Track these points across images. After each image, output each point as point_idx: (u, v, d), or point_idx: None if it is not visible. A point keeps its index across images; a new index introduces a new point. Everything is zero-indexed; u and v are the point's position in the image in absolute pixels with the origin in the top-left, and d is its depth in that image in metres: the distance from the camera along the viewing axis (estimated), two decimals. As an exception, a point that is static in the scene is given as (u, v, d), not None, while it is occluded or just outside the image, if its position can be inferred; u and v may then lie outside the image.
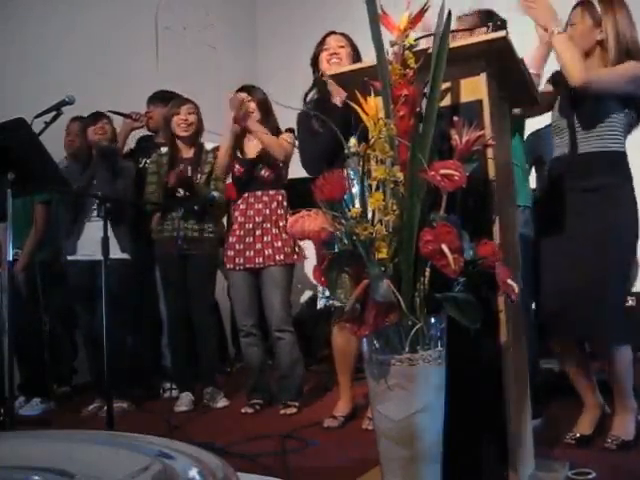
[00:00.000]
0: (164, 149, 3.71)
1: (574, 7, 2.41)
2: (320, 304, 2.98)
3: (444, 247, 1.43)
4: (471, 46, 1.73)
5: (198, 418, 3.27)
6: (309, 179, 3.01)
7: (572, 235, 2.33)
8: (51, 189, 3.46)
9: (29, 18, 4.34)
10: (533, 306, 2.51)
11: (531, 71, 2.00)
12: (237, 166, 3.38)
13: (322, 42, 3.01)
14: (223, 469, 0.78)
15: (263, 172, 3.35)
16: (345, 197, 1.56)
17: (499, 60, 1.77)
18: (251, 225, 3.33)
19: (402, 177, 1.54)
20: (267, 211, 3.33)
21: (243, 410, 3.32)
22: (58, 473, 0.80)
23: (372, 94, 1.63)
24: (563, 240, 2.35)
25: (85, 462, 0.83)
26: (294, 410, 3.24)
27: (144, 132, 4.28)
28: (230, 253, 3.37)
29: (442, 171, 1.47)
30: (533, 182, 3.24)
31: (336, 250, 1.58)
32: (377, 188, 1.55)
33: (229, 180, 3.58)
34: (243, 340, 3.43)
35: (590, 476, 1.95)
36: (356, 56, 2.96)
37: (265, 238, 3.31)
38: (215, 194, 3.55)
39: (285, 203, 3.38)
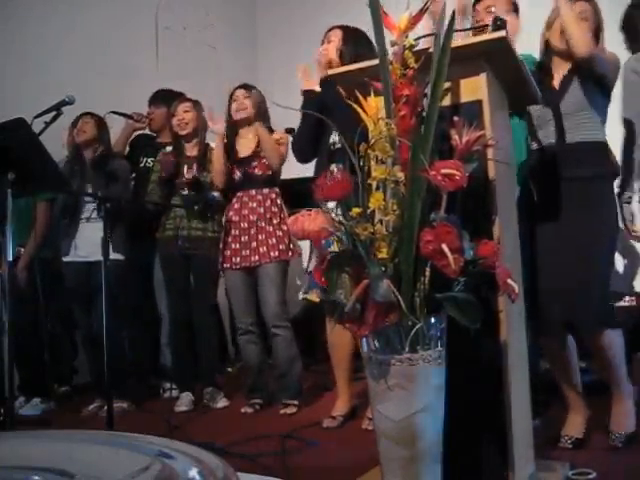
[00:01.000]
0: (169, 148, 3.71)
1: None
2: (300, 296, 3.00)
3: (444, 247, 1.44)
4: (471, 46, 1.73)
5: (198, 418, 3.27)
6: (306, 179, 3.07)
7: (560, 225, 2.32)
8: (51, 189, 3.45)
9: (29, 18, 4.34)
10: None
11: None
12: (235, 170, 3.39)
13: (324, 40, 3.06)
14: (223, 469, 0.78)
15: (257, 170, 3.36)
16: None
17: (499, 60, 1.77)
18: (246, 224, 3.34)
19: (402, 177, 1.54)
20: (261, 209, 3.35)
21: (243, 410, 3.32)
22: (58, 473, 0.80)
23: (372, 94, 1.64)
24: (551, 230, 2.34)
25: (85, 462, 0.83)
26: (294, 410, 3.24)
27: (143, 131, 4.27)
28: (227, 253, 3.38)
29: (443, 171, 1.47)
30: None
31: (330, 249, 1.58)
32: (377, 188, 1.55)
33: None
34: (241, 338, 3.44)
35: (590, 476, 1.94)
36: (349, 48, 2.94)
37: (260, 236, 3.33)
38: (215, 194, 3.55)
39: (279, 201, 3.40)
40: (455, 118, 1.64)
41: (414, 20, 1.65)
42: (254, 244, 3.32)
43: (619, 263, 4.25)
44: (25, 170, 2.61)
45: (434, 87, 1.56)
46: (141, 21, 5.14)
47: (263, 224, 3.33)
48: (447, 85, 1.74)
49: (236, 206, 3.38)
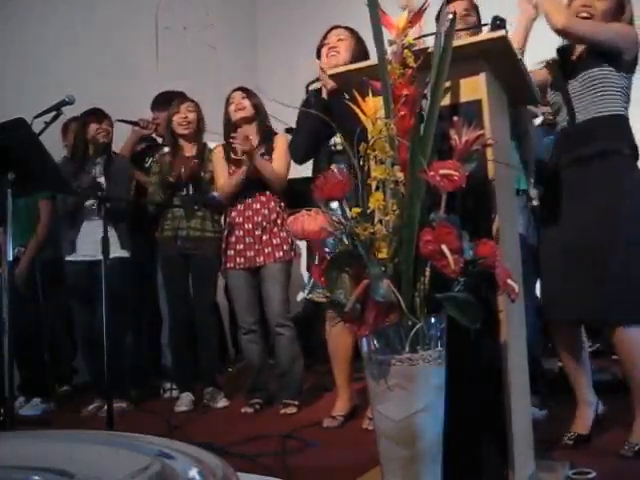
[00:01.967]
0: (166, 149, 3.71)
1: None
2: (299, 297, 2.99)
3: (444, 247, 1.43)
4: (471, 46, 1.73)
5: (198, 418, 3.27)
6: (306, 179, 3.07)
7: (575, 216, 2.23)
8: (51, 189, 3.46)
9: (29, 18, 4.34)
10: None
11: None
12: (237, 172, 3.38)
13: (324, 37, 3.04)
14: (223, 469, 0.78)
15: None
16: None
17: (499, 60, 1.77)
18: (250, 225, 3.34)
19: (402, 177, 1.54)
20: (265, 211, 3.35)
21: (243, 410, 3.32)
22: (58, 473, 0.80)
23: (370, 94, 1.63)
24: (567, 220, 2.26)
25: (85, 462, 0.83)
26: (294, 410, 3.24)
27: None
28: (230, 253, 3.38)
29: (441, 171, 1.47)
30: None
31: (328, 247, 1.58)
32: (377, 188, 1.55)
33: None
34: (244, 337, 3.44)
35: (590, 476, 1.94)
36: (359, 49, 2.93)
37: (264, 237, 3.33)
38: (215, 194, 3.55)
39: (282, 202, 3.40)
40: (454, 118, 1.63)
41: (413, 19, 1.65)
42: (258, 246, 3.33)
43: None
44: (25, 170, 2.61)
45: (434, 87, 1.56)
46: (141, 21, 5.14)
47: (266, 225, 3.34)
48: (447, 85, 1.74)
49: (239, 208, 3.38)
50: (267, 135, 3.42)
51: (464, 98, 1.78)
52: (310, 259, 3.01)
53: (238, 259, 3.36)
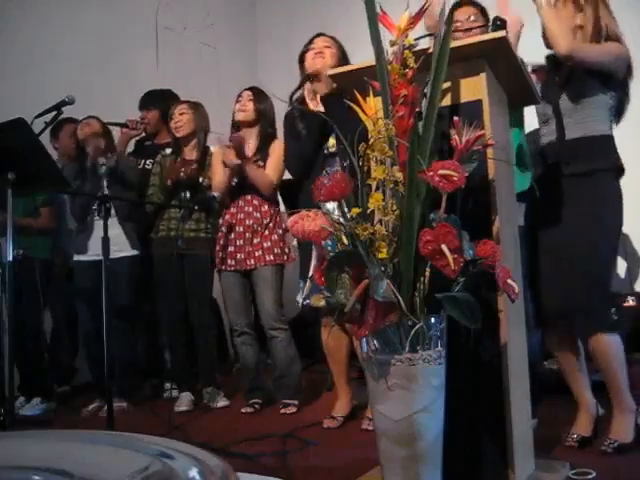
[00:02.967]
0: (168, 150, 3.71)
1: None
2: (299, 299, 2.98)
3: (444, 247, 1.44)
4: (471, 46, 1.73)
5: (198, 418, 3.27)
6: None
7: (561, 222, 2.31)
8: (51, 189, 3.46)
9: (29, 18, 4.34)
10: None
11: None
12: (231, 176, 3.37)
13: (310, 42, 3.03)
14: (223, 469, 0.78)
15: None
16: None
17: (499, 60, 1.77)
18: (242, 228, 3.34)
19: (402, 177, 1.54)
20: (258, 214, 3.35)
21: (243, 410, 3.32)
22: (58, 473, 0.80)
23: (371, 94, 1.64)
24: (553, 228, 2.33)
25: (85, 462, 0.83)
26: (294, 409, 3.24)
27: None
28: (221, 255, 3.38)
29: (441, 171, 1.47)
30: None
31: (327, 247, 1.59)
32: (377, 188, 1.55)
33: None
34: (237, 340, 3.45)
35: (590, 476, 1.94)
36: (342, 58, 2.96)
37: (255, 240, 3.33)
38: (215, 194, 3.54)
39: (275, 205, 3.40)
40: (455, 118, 1.63)
41: (414, 20, 1.65)
42: (249, 248, 3.32)
43: (621, 265, 4.25)
44: (25, 170, 2.61)
45: (432, 88, 1.56)
46: (141, 21, 5.14)
47: (259, 228, 3.33)
48: (447, 85, 1.74)
49: (232, 210, 3.38)
50: (265, 141, 3.40)
51: (465, 98, 1.78)
52: (303, 266, 3.00)
53: (229, 261, 3.36)
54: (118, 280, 3.35)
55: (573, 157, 2.32)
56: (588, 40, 2.31)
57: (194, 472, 0.76)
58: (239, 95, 3.43)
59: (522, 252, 2.13)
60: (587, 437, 2.34)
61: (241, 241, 3.34)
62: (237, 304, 3.41)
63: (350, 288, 1.51)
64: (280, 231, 3.35)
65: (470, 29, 2.49)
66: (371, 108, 1.59)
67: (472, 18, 2.62)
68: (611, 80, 2.30)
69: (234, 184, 3.36)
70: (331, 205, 1.60)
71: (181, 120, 3.59)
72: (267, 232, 3.34)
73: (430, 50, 1.67)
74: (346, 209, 1.56)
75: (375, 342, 1.54)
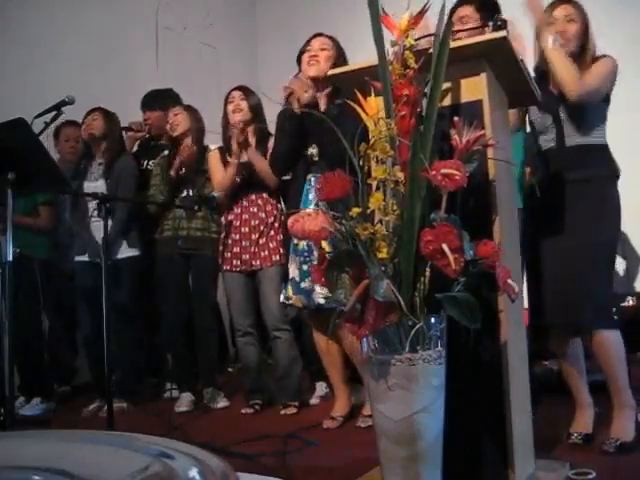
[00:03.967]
0: (166, 152, 3.71)
1: (559, 3, 2.41)
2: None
3: (444, 247, 1.43)
4: (471, 46, 1.73)
5: (198, 418, 3.26)
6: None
7: (561, 227, 2.33)
8: (51, 189, 3.46)
9: (29, 18, 4.34)
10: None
11: None
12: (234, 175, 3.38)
13: (307, 43, 3.02)
14: (223, 469, 0.77)
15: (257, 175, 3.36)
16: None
17: (499, 60, 1.77)
18: (247, 229, 3.34)
19: (402, 177, 1.54)
20: (262, 214, 3.35)
21: (243, 410, 3.32)
22: (58, 473, 0.79)
23: (372, 94, 1.64)
24: (553, 233, 2.35)
25: (85, 462, 0.82)
26: (294, 410, 3.24)
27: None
28: (227, 255, 3.38)
29: (443, 171, 1.47)
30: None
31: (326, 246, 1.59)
32: (377, 188, 1.55)
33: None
34: (240, 340, 3.44)
35: (590, 476, 1.94)
36: (340, 59, 2.95)
37: (261, 241, 3.33)
38: (216, 194, 3.55)
39: (279, 205, 3.40)
40: (455, 118, 1.63)
41: (414, 20, 1.65)
42: (255, 249, 3.32)
43: (620, 264, 4.25)
44: (25, 170, 2.61)
45: (433, 88, 1.56)
46: (141, 21, 5.14)
47: (264, 229, 3.33)
48: (447, 85, 1.74)
49: (237, 210, 3.38)
50: (263, 137, 3.41)
51: (465, 98, 1.78)
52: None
53: (235, 261, 3.36)
54: (117, 280, 3.35)
55: (575, 164, 2.36)
56: (587, 59, 2.35)
57: (194, 472, 0.76)
58: (228, 97, 3.43)
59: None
60: (589, 434, 2.36)
61: (247, 242, 3.34)
62: (241, 305, 3.41)
63: (350, 288, 1.51)
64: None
65: (471, 29, 2.48)
66: (372, 108, 1.59)
67: (464, 20, 2.62)
68: (606, 93, 2.37)
69: (238, 180, 3.36)
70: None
71: (176, 120, 3.62)
72: (272, 232, 3.34)
73: (430, 50, 1.67)
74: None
75: (375, 342, 1.54)
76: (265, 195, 3.37)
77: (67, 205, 3.84)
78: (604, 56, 2.37)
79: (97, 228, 3.53)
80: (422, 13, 1.67)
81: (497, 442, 1.70)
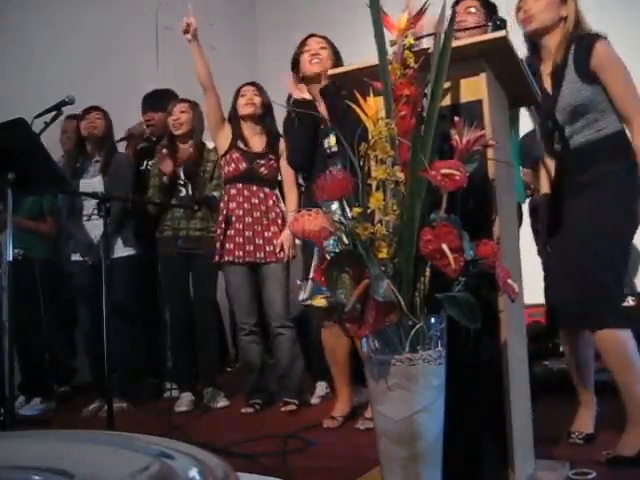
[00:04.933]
0: (165, 151, 3.71)
1: None
2: (301, 298, 2.97)
3: (444, 247, 1.43)
4: (471, 46, 1.73)
5: (198, 418, 3.27)
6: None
7: (572, 227, 2.27)
8: (51, 189, 3.46)
9: (29, 18, 4.34)
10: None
11: None
12: (241, 161, 3.38)
13: (303, 44, 3.02)
14: (223, 469, 0.78)
15: (263, 169, 3.37)
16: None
17: (499, 60, 1.76)
18: (250, 219, 3.33)
19: (403, 177, 1.54)
20: (264, 207, 3.35)
21: (243, 410, 3.32)
22: (58, 473, 0.79)
23: (371, 94, 1.63)
24: (565, 235, 2.31)
25: (85, 462, 0.82)
26: (294, 407, 3.25)
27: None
28: (230, 246, 3.34)
29: (443, 171, 1.47)
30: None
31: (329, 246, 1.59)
32: (377, 188, 1.55)
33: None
34: (244, 338, 3.43)
35: (590, 476, 1.94)
36: (336, 58, 2.96)
37: (266, 234, 3.32)
38: (215, 194, 3.55)
39: (281, 203, 3.41)
40: (455, 118, 1.63)
41: (414, 20, 1.65)
42: (259, 240, 3.32)
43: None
44: (25, 170, 2.61)
45: (434, 87, 1.55)
46: (141, 21, 5.14)
47: (267, 223, 3.33)
48: (447, 85, 1.74)
49: (239, 199, 3.37)
50: (275, 138, 3.42)
51: (465, 98, 1.78)
52: (305, 265, 3.00)
53: (237, 252, 3.32)
54: (112, 280, 3.34)
55: (582, 165, 2.26)
56: (569, 31, 2.26)
57: (194, 472, 0.76)
58: (240, 90, 3.44)
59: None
60: (590, 434, 2.35)
61: (250, 232, 3.32)
62: (246, 304, 3.40)
63: (350, 288, 1.51)
64: None
65: (470, 28, 2.48)
66: (371, 108, 1.59)
67: (472, 10, 2.61)
68: (595, 79, 2.22)
69: (242, 169, 3.37)
70: (335, 206, 1.60)
71: (180, 118, 3.61)
72: (276, 229, 3.35)
73: (430, 50, 1.67)
74: (347, 209, 1.56)
75: (375, 342, 1.54)
76: (267, 190, 3.39)
77: (63, 204, 3.83)
78: (597, 36, 2.23)
79: (91, 227, 3.54)
80: (421, 12, 1.67)
81: (497, 442, 1.70)
